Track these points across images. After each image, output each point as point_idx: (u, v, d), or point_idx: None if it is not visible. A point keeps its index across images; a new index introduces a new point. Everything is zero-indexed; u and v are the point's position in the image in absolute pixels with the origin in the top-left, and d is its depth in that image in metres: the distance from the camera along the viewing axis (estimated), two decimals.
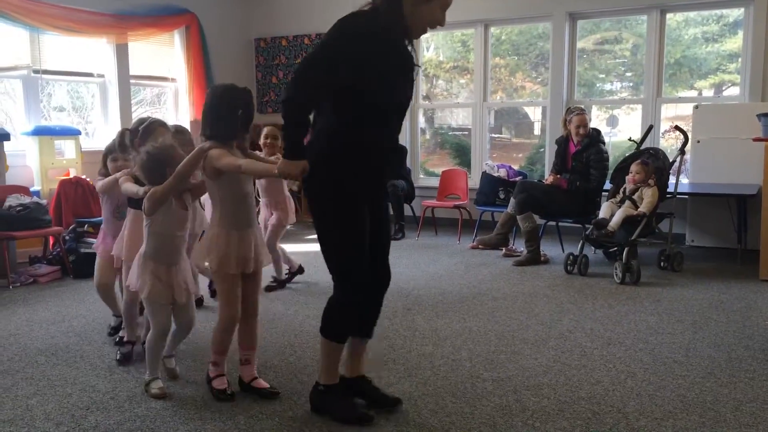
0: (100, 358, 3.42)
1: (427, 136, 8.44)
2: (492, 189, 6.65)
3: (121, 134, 3.33)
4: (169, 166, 2.75)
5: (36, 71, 6.37)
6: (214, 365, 2.92)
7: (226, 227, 2.76)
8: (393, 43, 2.45)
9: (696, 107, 6.27)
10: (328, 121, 2.47)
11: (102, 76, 7.05)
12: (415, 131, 8.06)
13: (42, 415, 2.74)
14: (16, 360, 3.42)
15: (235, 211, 2.77)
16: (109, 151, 3.43)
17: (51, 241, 5.60)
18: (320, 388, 2.70)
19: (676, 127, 5.58)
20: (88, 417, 2.73)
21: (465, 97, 8.02)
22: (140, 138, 3.14)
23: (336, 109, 2.44)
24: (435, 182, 7.61)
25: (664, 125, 6.88)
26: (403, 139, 7.54)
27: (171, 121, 7.87)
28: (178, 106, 7.90)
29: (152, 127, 3.18)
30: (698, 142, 6.16)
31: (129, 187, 3.06)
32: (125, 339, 3.41)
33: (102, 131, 7.10)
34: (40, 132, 5.99)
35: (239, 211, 2.78)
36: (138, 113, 7.56)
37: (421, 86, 8.06)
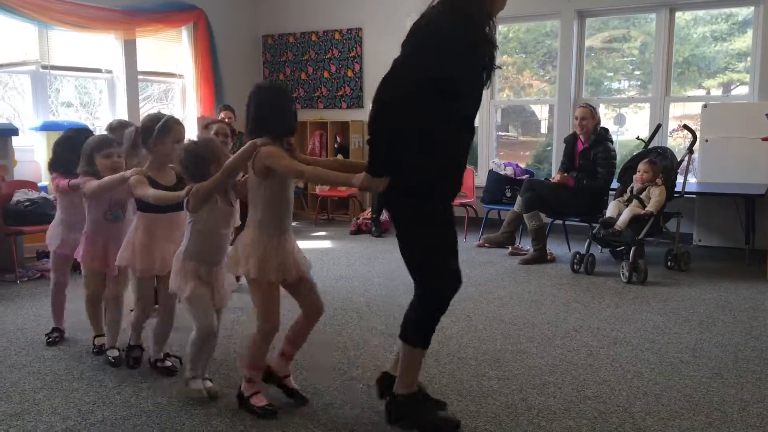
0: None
1: None
2: (498, 187, 6.64)
3: (135, 133, 3.04)
4: (212, 163, 2.66)
5: (44, 67, 6.39)
6: (250, 382, 2.71)
7: (266, 231, 2.61)
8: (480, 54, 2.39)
9: (704, 106, 6.24)
10: (413, 132, 2.36)
11: (110, 71, 7.07)
12: None
13: (49, 410, 2.75)
14: (23, 354, 3.43)
15: (278, 214, 2.64)
16: (98, 148, 3.22)
17: None
18: (400, 398, 2.57)
19: (685, 126, 5.55)
20: (95, 412, 2.74)
21: None
22: (157, 137, 2.96)
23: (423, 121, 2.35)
24: None
25: (672, 124, 6.85)
26: None
27: (178, 117, 7.90)
28: (185, 103, 7.91)
29: (169, 124, 3.00)
30: (706, 141, 6.12)
31: (147, 190, 2.86)
32: (132, 343, 3.27)
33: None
34: (48, 127, 6.01)
35: (282, 215, 2.65)
36: (145, 109, 7.58)
37: None
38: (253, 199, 2.64)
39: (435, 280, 2.49)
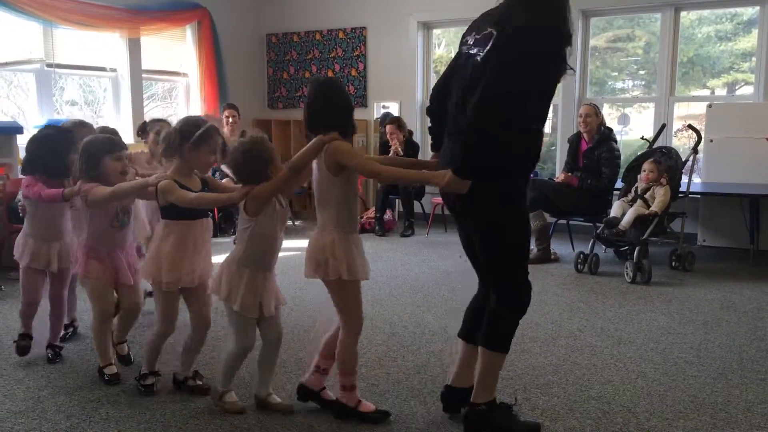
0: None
1: None
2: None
3: (174, 134, 2.72)
4: (271, 163, 2.54)
5: (49, 65, 6.40)
6: (350, 390, 2.63)
7: (345, 229, 2.53)
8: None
9: (709, 106, 6.23)
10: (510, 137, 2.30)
11: (114, 70, 7.09)
12: (425, 128, 8.04)
13: (53, 407, 2.76)
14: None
15: (353, 211, 2.58)
16: (108, 149, 2.93)
17: None
18: (482, 408, 2.49)
19: (689, 126, 5.54)
20: (99, 410, 2.74)
21: None
22: (194, 143, 2.69)
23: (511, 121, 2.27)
24: None
25: (677, 124, 6.84)
26: (415, 136, 7.54)
27: (182, 116, 7.91)
28: (189, 101, 7.92)
29: (209, 133, 2.74)
30: (711, 141, 6.11)
31: (185, 194, 2.66)
32: (147, 371, 2.95)
33: (114, 125, 7.12)
34: (52, 125, 6.01)
35: (355, 213, 2.61)
36: (150, 108, 7.59)
37: (432, 83, 8.03)
38: (326, 197, 2.56)
39: (520, 282, 2.48)
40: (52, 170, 3.11)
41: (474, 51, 2.35)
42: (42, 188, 3.03)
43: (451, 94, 2.50)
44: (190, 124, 2.75)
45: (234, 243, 2.70)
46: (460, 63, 2.48)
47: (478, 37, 2.36)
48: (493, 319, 2.48)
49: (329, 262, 2.50)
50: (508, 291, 2.48)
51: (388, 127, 7.05)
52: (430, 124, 2.69)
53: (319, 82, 2.64)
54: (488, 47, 2.27)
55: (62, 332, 3.48)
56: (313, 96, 2.59)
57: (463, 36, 2.51)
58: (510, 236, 2.43)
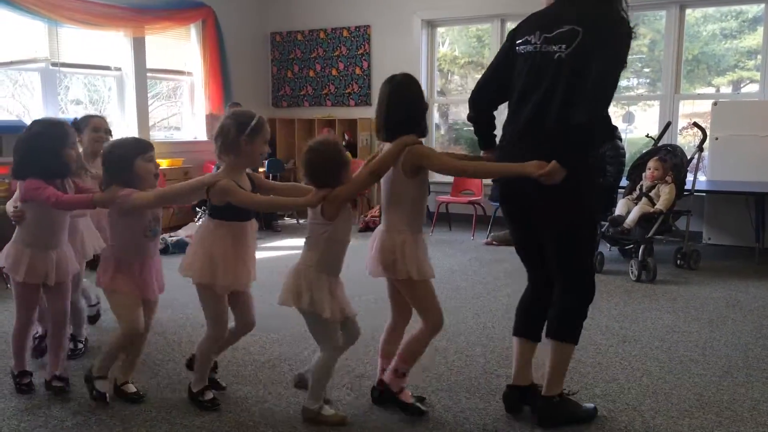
0: None
1: (442, 132, 8.42)
2: None
3: (235, 128, 2.57)
4: (346, 166, 2.49)
5: (54, 64, 6.42)
6: (402, 377, 2.67)
7: (414, 231, 2.56)
8: None
9: (714, 104, 6.21)
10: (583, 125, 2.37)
11: (119, 69, 7.10)
12: (429, 127, 8.03)
13: (59, 405, 2.76)
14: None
15: (422, 212, 2.62)
16: (141, 149, 2.70)
17: None
18: (556, 400, 2.59)
19: (695, 124, 5.52)
20: (104, 407, 2.75)
21: None
22: (250, 135, 2.57)
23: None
24: (449, 178, 7.59)
25: (682, 122, 6.82)
26: None
27: (187, 114, 7.93)
28: (194, 100, 7.93)
29: (262, 122, 2.62)
30: (716, 139, 6.09)
31: (252, 196, 2.59)
32: (201, 385, 2.79)
33: (119, 124, 7.14)
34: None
35: (423, 213, 2.64)
36: (154, 107, 7.60)
37: (436, 81, 8.04)
38: (398, 198, 2.56)
39: (590, 272, 2.59)
40: (49, 170, 2.73)
41: (552, 48, 2.38)
42: (55, 192, 2.68)
43: (500, 92, 2.59)
44: (243, 116, 2.61)
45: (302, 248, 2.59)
46: (525, 62, 2.48)
47: (548, 36, 2.40)
48: (564, 312, 2.54)
49: (398, 262, 2.51)
50: (582, 283, 2.55)
51: None
52: (476, 125, 2.71)
53: (399, 83, 2.56)
54: (575, 45, 2.33)
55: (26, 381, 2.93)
56: (392, 97, 2.54)
57: (514, 37, 2.54)
58: (589, 229, 2.57)
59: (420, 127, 2.54)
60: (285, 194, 2.77)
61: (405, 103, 2.53)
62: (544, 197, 2.41)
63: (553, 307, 2.56)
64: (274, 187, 2.90)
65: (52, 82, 6.46)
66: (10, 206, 2.86)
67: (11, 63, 6.23)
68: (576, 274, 2.53)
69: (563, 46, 2.35)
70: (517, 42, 2.51)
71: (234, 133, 2.56)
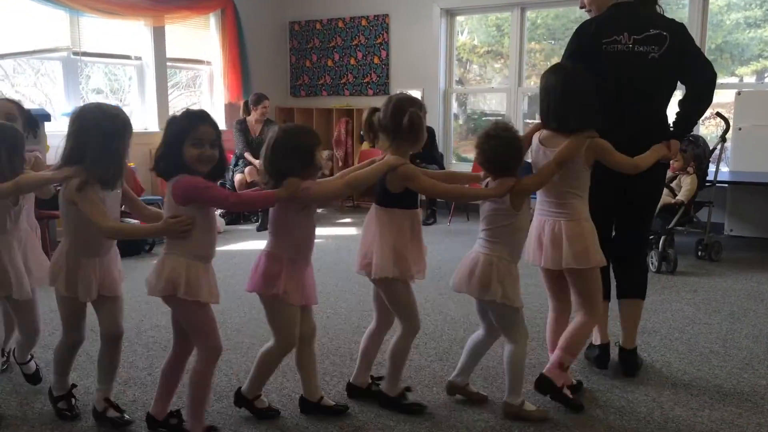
0: (137, 336, 3.49)
1: (460, 122, 8.38)
2: (525, 175, 6.58)
3: (418, 115, 2.42)
4: (521, 158, 2.50)
5: (75, 53, 6.48)
6: (565, 370, 2.65)
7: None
8: None
9: (738, 93, 6.12)
10: (662, 110, 2.92)
11: (139, 58, 7.15)
12: (448, 116, 8.01)
13: (82, 389, 2.80)
14: (56, 335, 3.47)
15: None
16: (319, 140, 2.41)
17: None
18: (634, 349, 3.02)
19: (718, 114, 5.45)
20: (126, 392, 2.79)
21: (498, 82, 7.94)
22: (392, 116, 2.44)
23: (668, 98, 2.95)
24: (467, 168, 7.56)
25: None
26: (436, 124, 7.51)
27: (206, 104, 7.96)
28: (213, 89, 7.97)
29: (425, 109, 2.52)
30: (739, 129, 6.01)
31: (437, 183, 2.51)
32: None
33: (139, 113, 7.20)
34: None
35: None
36: (174, 96, 7.65)
37: (455, 71, 8.01)
38: (575, 188, 2.61)
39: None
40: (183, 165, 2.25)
41: (642, 49, 2.80)
42: (227, 190, 2.39)
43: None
44: (409, 102, 2.47)
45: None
46: (616, 59, 2.80)
47: (637, 37, 2.80)
48: (642, 272, 3.03)
49: (589, 249, 2.60)
50: (646, 240, 3.14)
51: None
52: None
53: (570, 73, 2.60)
54: (665, 47, 2.80)
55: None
56: (566, 87, 2.55)
57: (601, 36, 2.83)
58: (657, 197, 3.08)
59: (597, 120, 2.56)
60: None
61: (582, 94, 2.55)
62: (656, 169, 2.78)
63: (629, 272, 2.97)
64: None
65: (73, 72, 6.52)
66: (165, 214, 2.30)
67: (33, 52, 6.30)
68: (648, 235, 3.15)
69: (655, 48, 2.79)
70: (604, 41, 2.82)
71: (416, 116, 2.43)
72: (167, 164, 2.26)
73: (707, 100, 2.86)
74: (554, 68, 2.64)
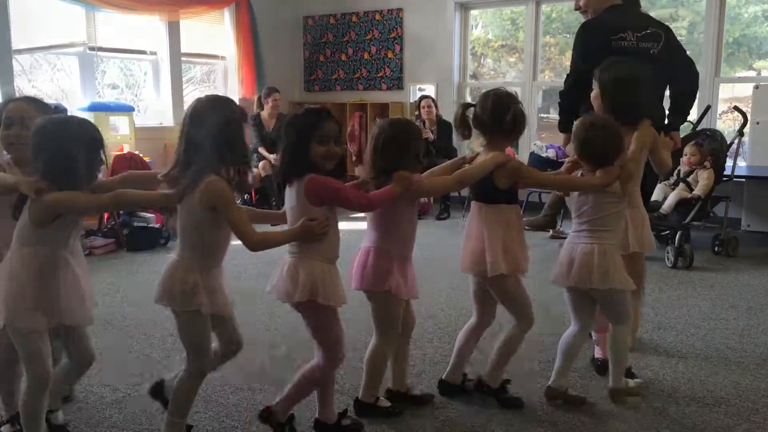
0: (153, 327, 3.51)
1: None
2: (540, 169, 6.53)
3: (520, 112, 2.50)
4: (622, 149, 2.56)
5: (91, 48, 6.52)
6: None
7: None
8: None
9: (756, 87, 6.05)
10: (660, 103, 3.24)
11: (154, 53, 7.18)
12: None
13: (99, 382, 2.84)
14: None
15: None
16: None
17: (106, 215, 5.76)
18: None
19: (735, 108, 5.39)
20: (143, 384, 2.81)
21: (513, 77, 7.90)
22: (492, 112, 2.50)
23: None
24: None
25: (722, 106, 6.66)
26: (450, 118, 7.49)
27: None
28: (227, 84, 7.99)
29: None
30: (757, 123, 5.94)
31: (545, 175, 2.76)
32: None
33: (154, 108, 7.25)
34: (95, 108, 6.15)
35: None
36: (189, 90, 7.68)
37: (469, 65, 7.98)
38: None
39: None
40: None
41: (645, 45, 3.18)
42: (350, 189, 2.30)
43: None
44: (508, 98, 2.51)
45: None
46: (625, 54, 2.98)
47: (639, 34, 3.16)
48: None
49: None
50: None
51: (423, 101, 7.10)
52: (572, 113, 3.07)
53: (633, 69, 2.70)
54: (661, 44, 3.21)
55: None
56: (634, 84, 2.67)
57: (609, 33, 3.15)
58: None
59: (653, 109, 2.96)
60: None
61: (638, 89, 2.70)
62: None
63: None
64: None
65: (89, 67, 6.57)
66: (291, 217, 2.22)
67: (50, 47, 6.35)
68: None
69: (654, 44, 3.19)
70: (612, 38, 3.14)
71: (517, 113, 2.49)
72: (295, 165, 2.15)
73: (695, 93, 3.29)
74: (612, 64, 2.73)
